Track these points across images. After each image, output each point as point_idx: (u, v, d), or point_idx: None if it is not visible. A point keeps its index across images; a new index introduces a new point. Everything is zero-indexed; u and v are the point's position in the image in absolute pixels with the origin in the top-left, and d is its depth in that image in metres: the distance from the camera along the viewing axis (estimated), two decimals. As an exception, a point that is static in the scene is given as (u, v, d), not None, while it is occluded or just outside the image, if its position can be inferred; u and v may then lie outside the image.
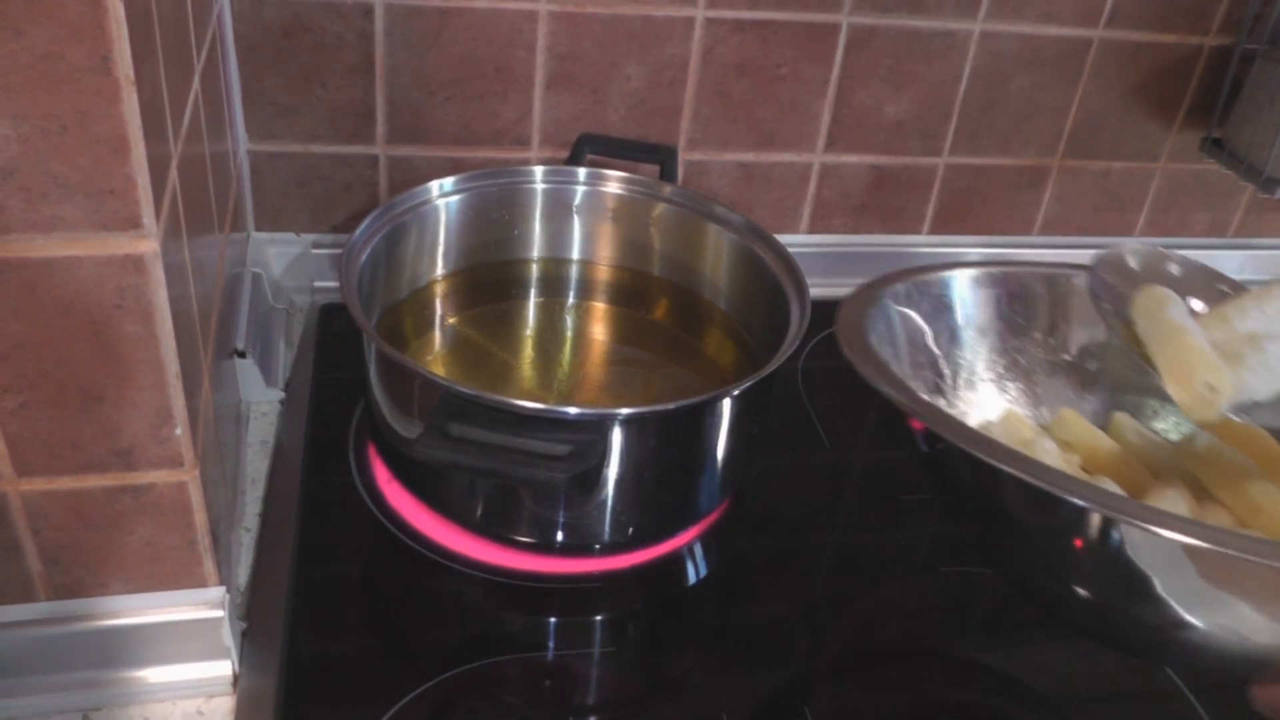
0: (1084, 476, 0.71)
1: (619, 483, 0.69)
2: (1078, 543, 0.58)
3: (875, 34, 0.98)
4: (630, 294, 0.93)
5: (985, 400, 0.78)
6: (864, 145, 1.05)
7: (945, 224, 1.13)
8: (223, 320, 0.75)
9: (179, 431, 0.55)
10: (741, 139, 1.01)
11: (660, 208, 0.90)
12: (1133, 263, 0.76)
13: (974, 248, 1.14)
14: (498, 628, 0.72)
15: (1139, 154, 1.13)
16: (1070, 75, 1.05)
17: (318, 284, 1.01)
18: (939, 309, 0.77)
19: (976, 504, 0.67)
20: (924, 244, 1.13)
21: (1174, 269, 0.78)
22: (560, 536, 0.72)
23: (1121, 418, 0.78)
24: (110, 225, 0.48)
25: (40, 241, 0.48)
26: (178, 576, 0.61)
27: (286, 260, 1.00)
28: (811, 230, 1.10)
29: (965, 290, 0.78)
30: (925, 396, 0.73)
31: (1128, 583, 0.57)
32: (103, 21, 0.43)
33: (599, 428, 0.66)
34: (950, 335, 0.78)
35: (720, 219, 0.88)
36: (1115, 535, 0.55)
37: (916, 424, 0.64)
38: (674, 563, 0.77)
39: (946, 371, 0.77)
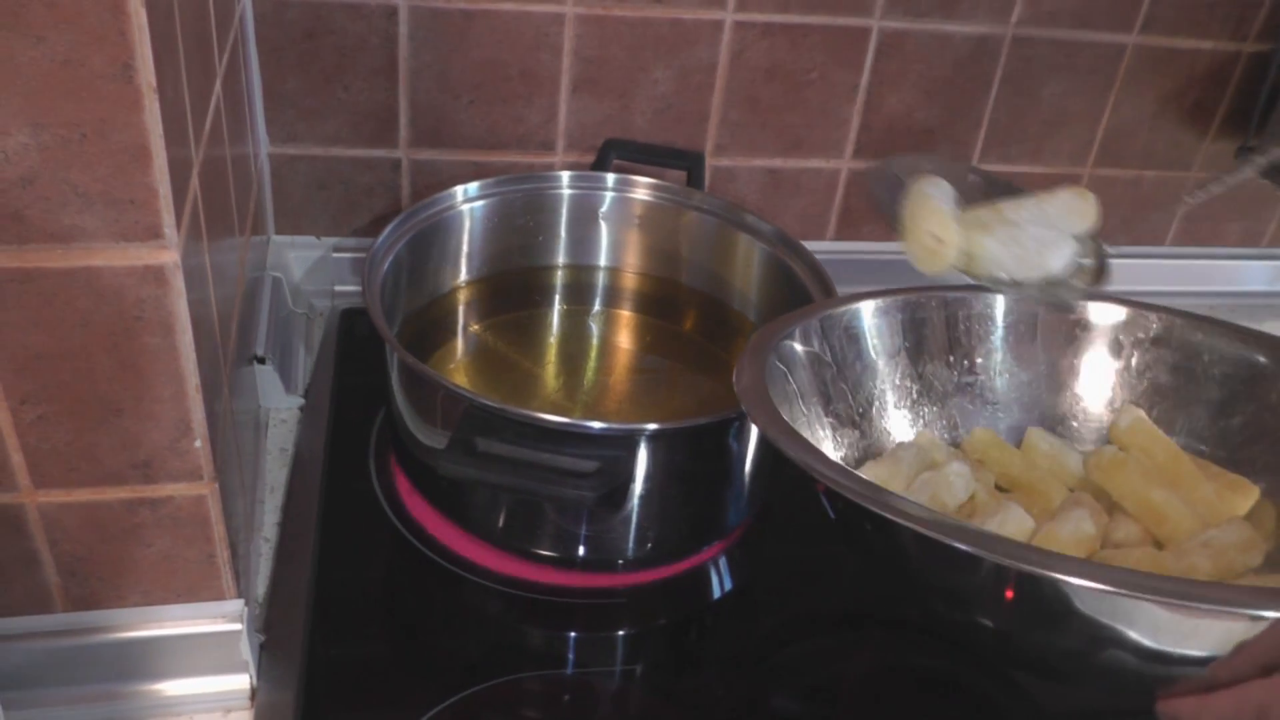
0: (993, 499, 0.72)
1: (645, 498, 0.68)
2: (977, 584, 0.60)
3: (907, 38, 0.97)
4: (657, 302, 0.92)
5: (901, 427, 0.78)
6: (893, 151, 1.03)
7: (974, 232, 1.11)
8: (242, 326, 0.75)
9: (198, 444, 0.54)
10: (769, 144, 1.00)
11: (689, 215, 0.89)
12: (926, 166, 0.77)
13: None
14: (519, 642, 0.71)
15: (1172, 162, 1.11)
16: (1103, 82, 1.03)
17: (338, 288, 1.00)
18: (848, 341, 0.77)
19: (882, 554, 0.67)
20: (952, 252, 1.11)
21: (973, 178, 0.79)
22: (583, 551, 0.71)
23: (1035, 432, 0.78)
24: (130, 235, 0.47)
25: (60, 252, 0.47)
26: (195, 589, 0.60)
27: (307, 264, 0.99)
28: (838, 237, 1.08)
29: (870, 321, 0.78)
30: (836, 431, 0.74)
31: (1030, 619, 0.59)
32: (124, 28, 0.42)
33: (627, 444, 0.64)
34: (861, 366, 0.77)
35: (750, 228, 0.86)
36: (1011, 579, 0.57)
37: (819, 487, 0.63)
38: (699, 577, 0.76)
39: (860, 402, 0.77)
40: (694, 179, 0.90)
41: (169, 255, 0.48)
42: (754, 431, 0.69)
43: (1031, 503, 0.72)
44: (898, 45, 0.97)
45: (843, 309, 0.76)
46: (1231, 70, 1.06)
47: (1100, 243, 0.69)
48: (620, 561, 0.73)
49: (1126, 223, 1.14)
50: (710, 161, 0.99)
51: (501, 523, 0.71)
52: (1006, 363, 0.81)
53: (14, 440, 0.52)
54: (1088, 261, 0.67)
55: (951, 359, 0.80)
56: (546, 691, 0.67)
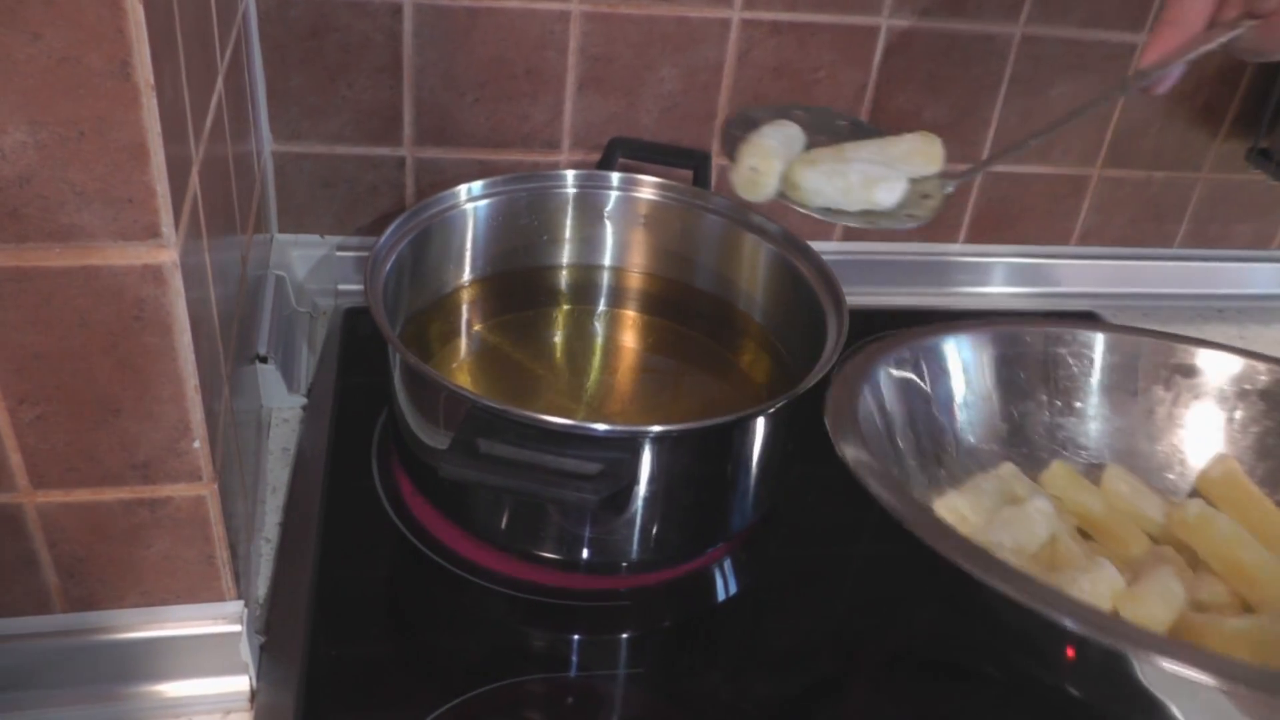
0: (1079, 549, 0.70)
1: (649, 501, 0.67)
2: (1069, 651, 0.61)
3: (914, 37, 0.96)
4: (662, 303, 0.91)
5: (983, 459, 0.77)
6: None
7: (981, 233, 1.10)
8: (244, 325, 0.74)
9: (197, 445, 0.54)
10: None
11: (695, 215, 0.88)
12: (794, 114, 0.77)
13: (1010, 258, 1.12)
14: (522, 645, 0.70)
15: (1181, 163, 1.10)
16: (1113, 81, 1.03)
17: (342, 287, 0.99)
18: (937, 373, 0.76)
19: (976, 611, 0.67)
20: (959, 253, 1.11)
21: (842, 123, 0.79)
22: (587, 553, 0.71)
23: (1115, 470, 0.77)
24: (129, 235, 0.47)
25: (57, 251, 0.47)
26: (195, 590, 0.60)
27: (310, 263, 0.99)
28: (846, 238, 1.08)
29: (962, 353, 0.77)
30: (919, 460, 0.73)
31: (1127, 696, 0.58)
32: (122, 25, 0.42)
33: (631, 446, 0.64)
34: (949, 399, 0.77)
35: (757, 228, 0.86)
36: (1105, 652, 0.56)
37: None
38: (704, 579, 0.76)
39: (945, 434, 0.76)
40: (700, 178, 0.90)
41: (168, 254, 0.48)
42: (760, 433, 0.69)
43: (1108, 546, 0.71)
44: (906, 44, 0.97)
45: (934, 339, 0.76)
46: (1242, 70, 1.05)
47: (946, 183, 0.71)
48: (624, 564, 0.72)
49: (1135, 223, 1.14)
50: (716, 160, 0.98)
51: (504, 524, 0.71)
52: (1102, 406, 0.79)
53: (12, 440, 0.52)
54: (931, 201, 0.70)
55: (1044, 397, 0.79)
56: (549, 694, 0.67)
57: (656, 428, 0.65)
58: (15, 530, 0.55)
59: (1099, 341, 0.80)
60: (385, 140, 0.94)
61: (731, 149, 0.72)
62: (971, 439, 0.77)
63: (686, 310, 0.91)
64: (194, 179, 0.54)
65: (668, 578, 0.74)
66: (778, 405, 0.67)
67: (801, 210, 0.70)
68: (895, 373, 0.73)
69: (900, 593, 0.77)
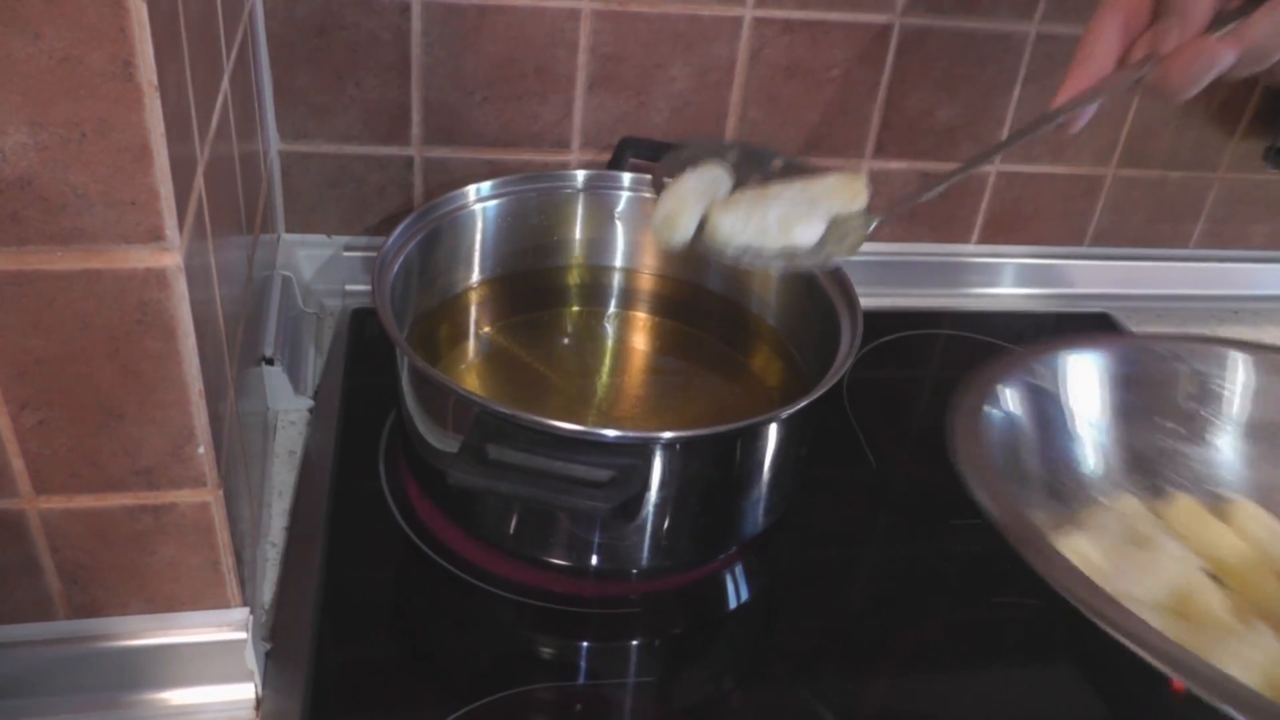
0: (1227, 613, 0.66)
1: (660, 507, 0.67)
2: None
3: (928, 35, 0.95)
4: (674, 304, 0.91)
5: (1102, 487, 0.74)
6: (914, 151, 1.02)
7: (995, 233, 1.09)
8: (250, 326, 0.73)
9: (202, 450, 0.53)
10: (788, 142, 0.99)
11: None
12: (728, 152, 0.77)
13: (1023, 258, 1.11)
14: (531, 652, 0.70)
15: (1197, 163, 1.09)
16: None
17: (349, 287, 0.98)
18: (1051, 400, 0.74)
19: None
20: (972, 253, 1.10)
21: (778, 163, 0.77)
22: (596, 560, 0.70)
23: (1248, 507, 0.73)
24: (131, 238, 0.46)
25: (59, 254, 0.46)
26: (199, 597, 0.60)
27: (317, 263, 0.98)
28: (858, 238, 1.07)
29: (1081, 375, 0.75)
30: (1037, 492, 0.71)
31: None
32: (124, 24, 0.41)
33: (642, 452, 0.63)
34: (1067, 427, 0.74)
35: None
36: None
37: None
38: (714, 585, 0.75)
39: (1068, 466, 0.73)
40: (711, 178, 0.89)
41: (171, 258, 0.47)
42: (773, 439, 0.68)
43: (1237, 589, 0.68)
44: (919, 42, 0.96)
45: (1050, 358, 0.74)
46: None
47: (871, 219, 0.70)
48: (635, 570, 0.72)
49: (1151, 224, 1.13)
50: (728, 160, 0.98)
51: (513, 530, 0.70)
52: (1235, 434, 0.76)
53: (14, 446, 0.51)
54: (850, 239, 0.70)
55: (1170, 424, 0.76)
56: (559, 702, 0.66)
57: (668, 434, 0.64)
58: (18, 536, 0.54)
59: (1238, 363, 0.77)
60: (393, 140, 0.93)
61: (657, 191, 0.73)
62: (1090, 466, 0.74)
63: (698, 311, 0.90)
64: (199, 180, 0.54)
65: (679, 583, 0.74)
66: (793, 411, 0.66)
67: (717, 256, 0.69)
68: (1008, 406, 0.71)
69: (913, 596, 0.76)
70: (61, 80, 0.42)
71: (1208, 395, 0.76)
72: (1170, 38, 0.62)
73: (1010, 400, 0.71)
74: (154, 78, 0.43)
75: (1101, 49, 0.65)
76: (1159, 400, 0.76)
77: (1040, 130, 0.68)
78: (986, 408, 0.68)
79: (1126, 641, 0.53)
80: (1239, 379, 0.77)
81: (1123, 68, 0.65)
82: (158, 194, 0.45)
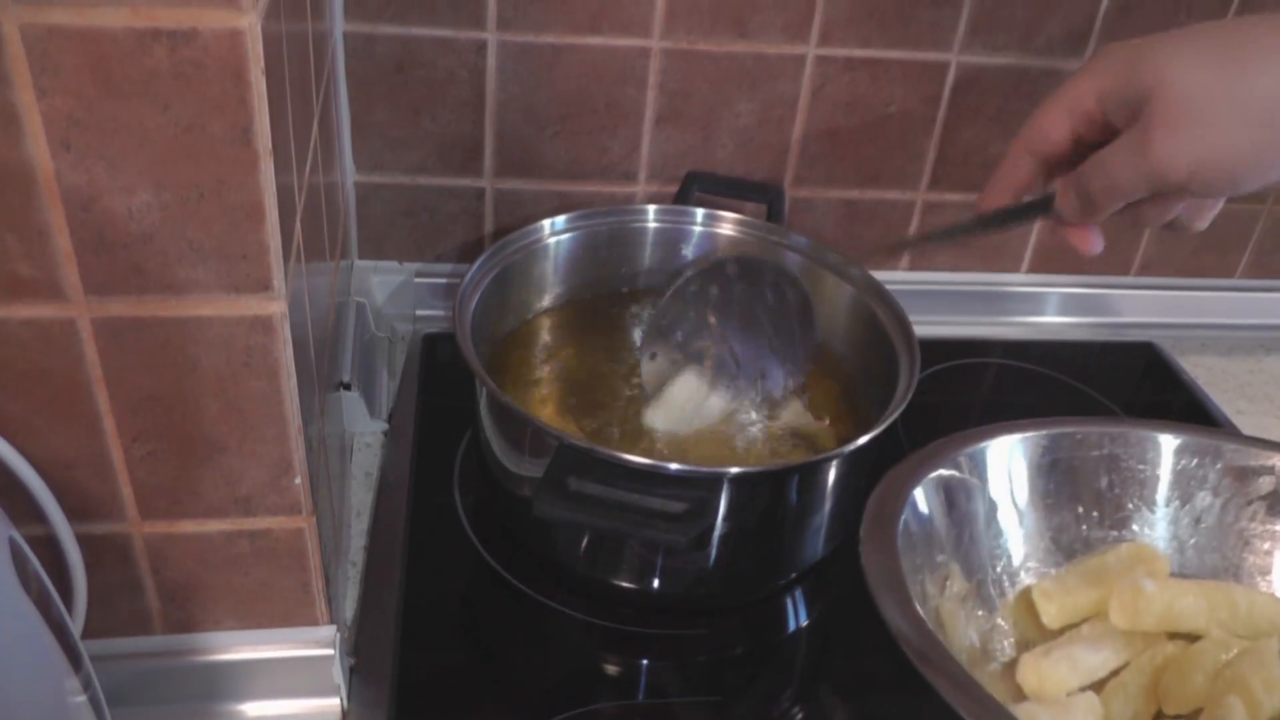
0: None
1: (726, 537, 0.69)
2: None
3: (984, 72, 0.97)
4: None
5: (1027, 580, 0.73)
6: (967, 183, 1.03)
7: (1044, 263, 1.11)
8: (330, 352, 0.76)
9: (298, 481, 0.56)
10: (847, 176, 1.01)
11: (776, 253, 0.88)
12: None
13: (1069, 288, 1.12)
14: (599, 669, 0.73)
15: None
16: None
17: (420, 312, 1.01)
18: (977, 488, 0.72)
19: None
20: (1021, 283, 1.11)
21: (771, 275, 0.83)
22: (662, 584, 0.72)
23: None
24: (242, 288, 0.49)
25: (174, 302, 0.49)
26: (290, 615, 0.63)
27: (389, 289, 1.01)
28: (912, 268, 1.09)
29: (1006, 463, 0.73)
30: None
31: None
32: (245, 95, 0.44)
33: (715, 486, 0.66)
34: (990, 515, 0.72)
35: (836, 269, 0.86)
36: None
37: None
38: (775, 608, 0.77)
39: (996, 554, 0.72)
40: (774, 212, 0.91)
41: (277, 306, 0.50)
42: (834, 473, 0.70)
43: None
44: (975, 79, 0.97)
45: (974, 447, 0.72)
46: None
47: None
48: (699, 593, 0.74)
49: (1197, 254, 1.13)
50: (789, 192, 1.00)
51: (583, 557, 0.73)
52: (1165, 522, 0.75)
53: (124, 475, 0.54)
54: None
55: (1096, 514, 0.75)
56: (626, 719, 0.69)
57: (738, 469, 0.66)
58: (123, 558, 0.58)
59: (1162, 446, 0.75)
60: (466, 172, 0.96)
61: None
62: (1009, 560, 0.73)
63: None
64: (298, 227, 0.57)
65: (741, 606, 0.76)
66: (853, 447, 0.68)
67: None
68: (931, 493, 0.68)
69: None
70: (185, 146, 0.45)
71: (1139, 486, 0.75)
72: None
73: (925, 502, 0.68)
74: (269, 143, 0.46)
75: (1015, 173, 0.65)
76: (1088, 492, 0.75)
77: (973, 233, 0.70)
78: (903, 515, 0.66)
79: None
80: (1163, 466, 0.75)
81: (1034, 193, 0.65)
82: (267, 249, 0.48)
